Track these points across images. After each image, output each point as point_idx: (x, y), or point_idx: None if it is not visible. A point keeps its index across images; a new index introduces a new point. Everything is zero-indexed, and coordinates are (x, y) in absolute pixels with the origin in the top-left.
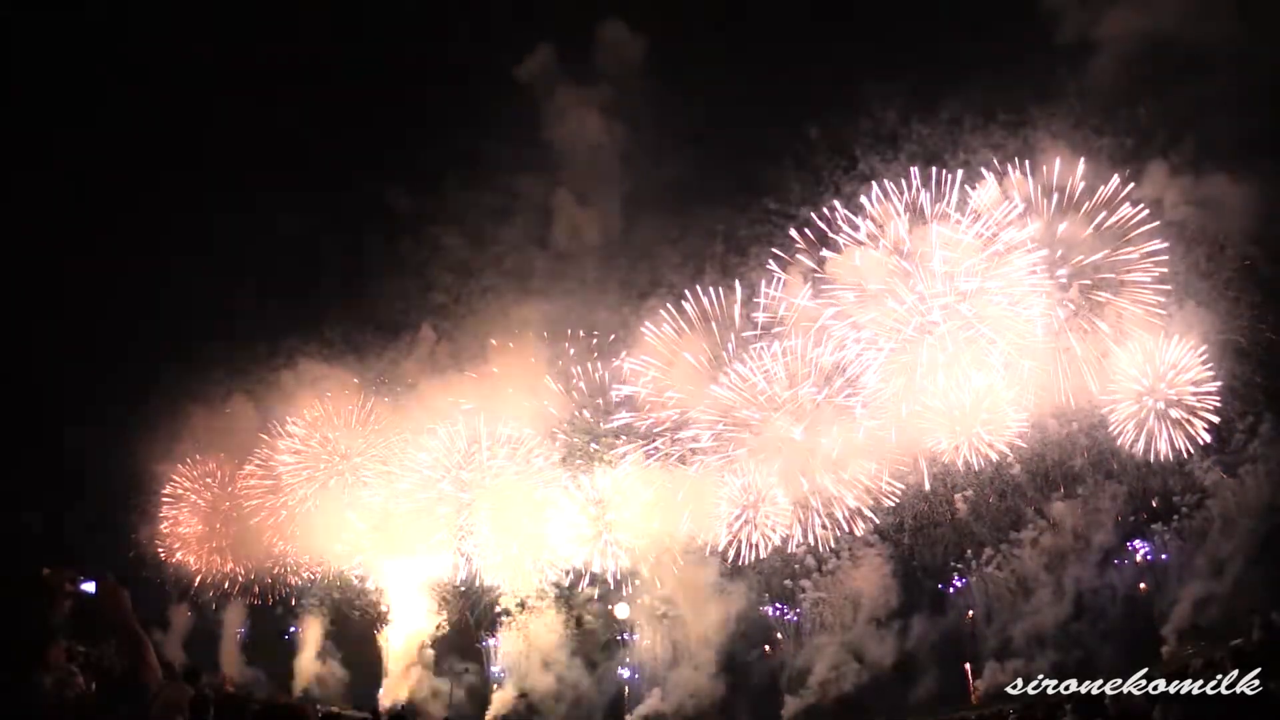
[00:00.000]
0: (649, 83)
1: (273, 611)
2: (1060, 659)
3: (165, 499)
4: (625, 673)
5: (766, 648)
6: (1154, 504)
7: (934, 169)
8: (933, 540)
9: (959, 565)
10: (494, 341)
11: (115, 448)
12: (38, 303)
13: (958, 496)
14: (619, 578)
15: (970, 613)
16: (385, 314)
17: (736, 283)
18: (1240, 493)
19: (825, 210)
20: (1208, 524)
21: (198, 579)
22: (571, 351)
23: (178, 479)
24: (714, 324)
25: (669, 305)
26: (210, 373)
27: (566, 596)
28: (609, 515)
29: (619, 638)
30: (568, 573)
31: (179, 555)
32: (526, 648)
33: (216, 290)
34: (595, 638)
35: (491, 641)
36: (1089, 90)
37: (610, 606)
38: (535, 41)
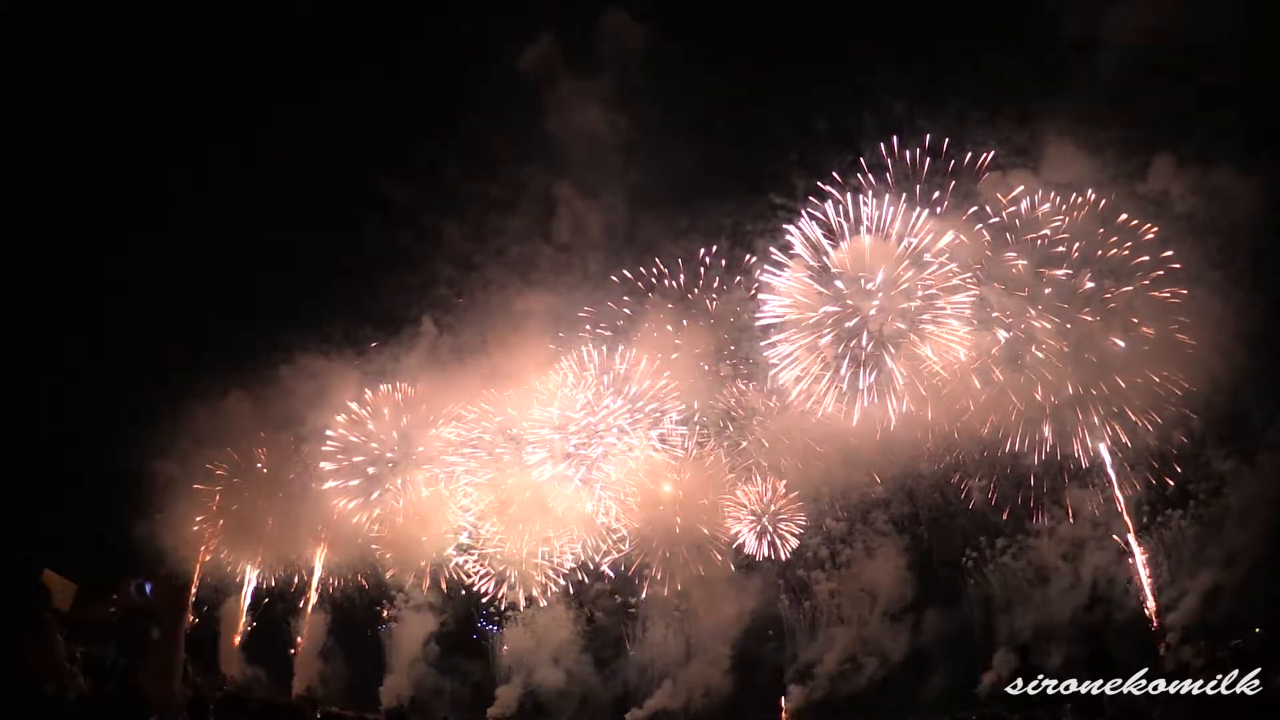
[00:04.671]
0: (652, 73)
1: (273, 610)
2: (1069, 653)
3: (163, 496)
4: (634, 669)
5: (773, 639)
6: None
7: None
8: (949, 531)
9: (974, 555)
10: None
11: (114, 445)
12: (35, 301)
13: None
14: (631, 572)
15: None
16: (386, 308)
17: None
18: (1256, 481)
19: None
20: (1225, 512)
21: (198, 576)
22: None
23: (175, 476)
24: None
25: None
26: (208, 368)
27: (577, 591)
28: (620, 507)
29: (629, 633)
30: (578, 568)
31: (179, 552)
32: (535, 644)
33: (214, 285)
34: (606, 634)
35: (498, 634)
36: (1095, 84)
37: (621, 602)
38: (537, 31)
